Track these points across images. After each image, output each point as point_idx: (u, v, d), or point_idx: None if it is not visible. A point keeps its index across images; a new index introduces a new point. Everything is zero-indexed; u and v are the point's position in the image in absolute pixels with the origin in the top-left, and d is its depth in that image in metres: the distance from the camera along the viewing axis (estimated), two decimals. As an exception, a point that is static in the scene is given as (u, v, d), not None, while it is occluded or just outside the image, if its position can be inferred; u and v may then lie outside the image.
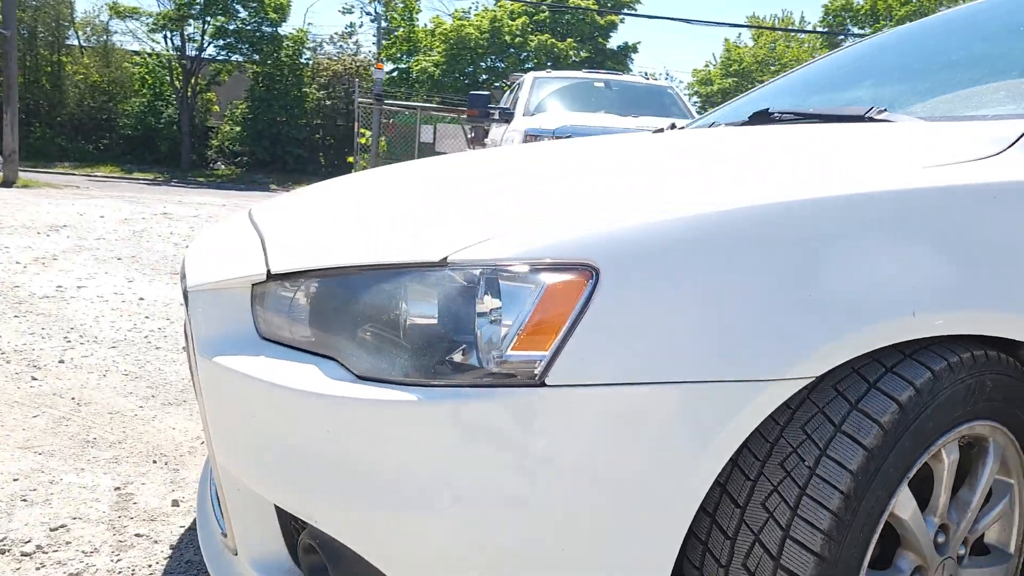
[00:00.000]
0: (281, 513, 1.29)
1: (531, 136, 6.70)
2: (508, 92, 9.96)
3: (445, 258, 1.10)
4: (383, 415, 1.07)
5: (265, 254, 1.36)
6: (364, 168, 14.47)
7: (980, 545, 1.38)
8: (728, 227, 1.08)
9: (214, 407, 1.31)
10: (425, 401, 1.05)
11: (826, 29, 36.37)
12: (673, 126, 2.50)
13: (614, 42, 32.90)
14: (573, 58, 30.75)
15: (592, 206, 1.19)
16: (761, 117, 1.92)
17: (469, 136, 11.25)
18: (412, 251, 1.15)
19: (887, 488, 1.10)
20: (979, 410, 1.20)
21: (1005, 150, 1.23)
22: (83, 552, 1.84)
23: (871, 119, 1.57)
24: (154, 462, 2.33)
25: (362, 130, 18.80)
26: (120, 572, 1.78)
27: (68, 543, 1.87)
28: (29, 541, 1.86)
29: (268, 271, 1.30)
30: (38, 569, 1.76)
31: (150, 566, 1.82)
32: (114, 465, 2.30)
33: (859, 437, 1.07)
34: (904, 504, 1.16)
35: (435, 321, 1.09)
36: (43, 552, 1.83)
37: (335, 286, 1.22)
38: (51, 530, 1.91)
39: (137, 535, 1.93)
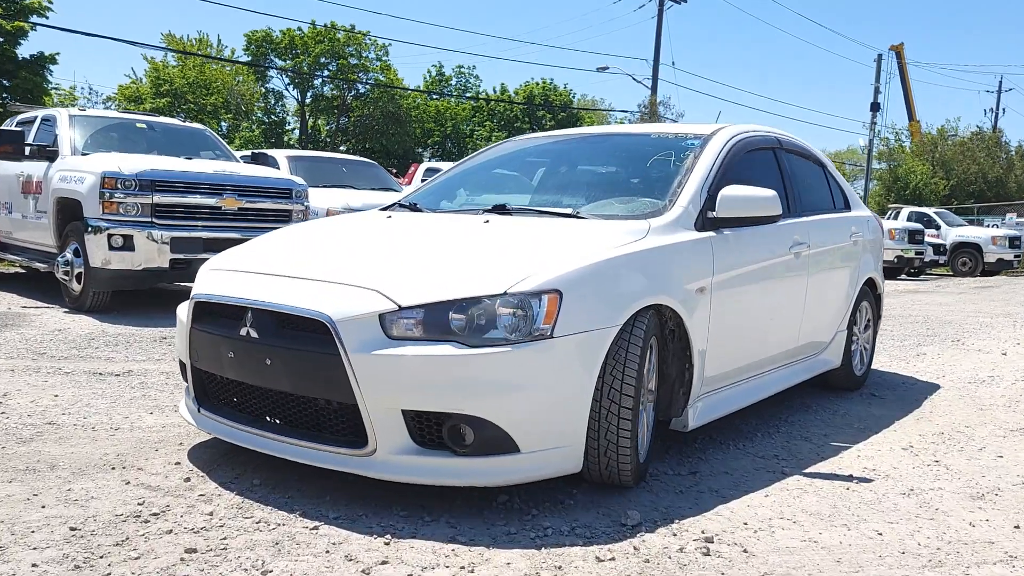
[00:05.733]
0: (407, 420, 2.65)
1: (110, 179, 7.18)
2: (12, 124, 9.59)
3: (505, 291, 2.66)
4: (494, 359, 2.59)
5: (386, 296, 2.67)
6: None
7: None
8: (594, 270, 2.86)
9: (371, 377, 2.60)
10: (512, 350, 2.61)
11: (250, 58, 38.60)
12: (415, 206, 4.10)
13: (26, 50, 30.20)
14: (-22, 65, 27.49)
15: (535, 263, 2.82)
16: (500, 209, 3.67)
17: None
18: (486, 288, 2.66)
19: (645, 359, 2.98)
20: (652, 331, 3.16)
21: (643, 238, 3.22)
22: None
23: (577, 216, 3.47)
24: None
25: None
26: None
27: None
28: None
29: (399, 306, 2.64)
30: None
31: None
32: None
33: (634, 341, 2.94)
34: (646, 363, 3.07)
35: (506, 318, 2.64)
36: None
37: (446, 309, 2.65)
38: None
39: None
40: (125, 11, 74.52)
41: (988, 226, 27.05)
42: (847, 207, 5.21)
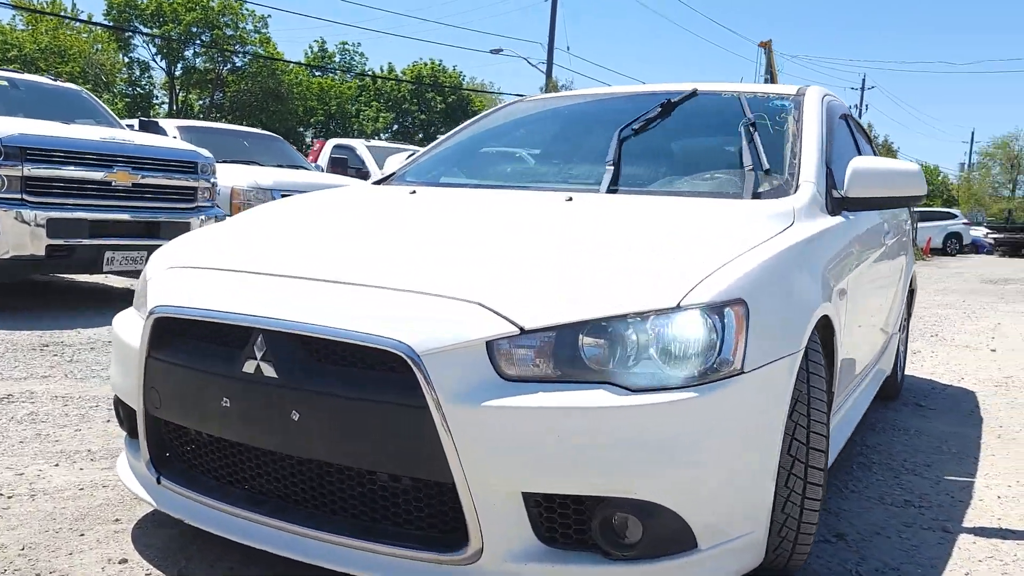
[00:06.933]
0: (530, 507, 1.69)
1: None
2: None
3: (679, 303, 1.73)
4: (675, 411, 1.66)
5: (498, 314, 1.69)
6: None
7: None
8: (773, 270, 1.97)
9: (480, 442, 1.63)
10: (698, 396, 1.69)
11: (112, 23, 35.47)
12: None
13: None
14: None
15: (706, 263, 1.88)
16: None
17: None
18: (647, 299, 1.73)
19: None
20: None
21: (792, 224, 2.33)
22: None
23: (694, 193, 2.56)
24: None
25: None
26: None
27: None
28: None
29: (521, 328, 1.67)
30: None
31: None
32: None
33: (814, 370, 2.07)
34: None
35: (678, 343, 1.72)
36: None
37: (590, 332, 1.69)
38: None
39: None
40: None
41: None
42: (890, 190, 4.54)
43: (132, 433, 2.24)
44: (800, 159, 2.74)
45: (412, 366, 1.64)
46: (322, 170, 11.09)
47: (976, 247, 29.52)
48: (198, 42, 35.83)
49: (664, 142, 3.00)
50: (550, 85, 31.16)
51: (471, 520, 1.68)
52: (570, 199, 2.43)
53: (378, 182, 3.26)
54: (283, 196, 8.23)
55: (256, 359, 1.78)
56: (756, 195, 2.53)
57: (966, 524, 2.68)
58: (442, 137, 3.59)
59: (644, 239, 2.07)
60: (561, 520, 1.72)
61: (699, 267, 1.86)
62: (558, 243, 2.03)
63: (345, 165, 11.48)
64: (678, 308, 1.73)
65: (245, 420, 1.83)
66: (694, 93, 3.18)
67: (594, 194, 2.56)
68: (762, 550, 1.92)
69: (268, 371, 1.77)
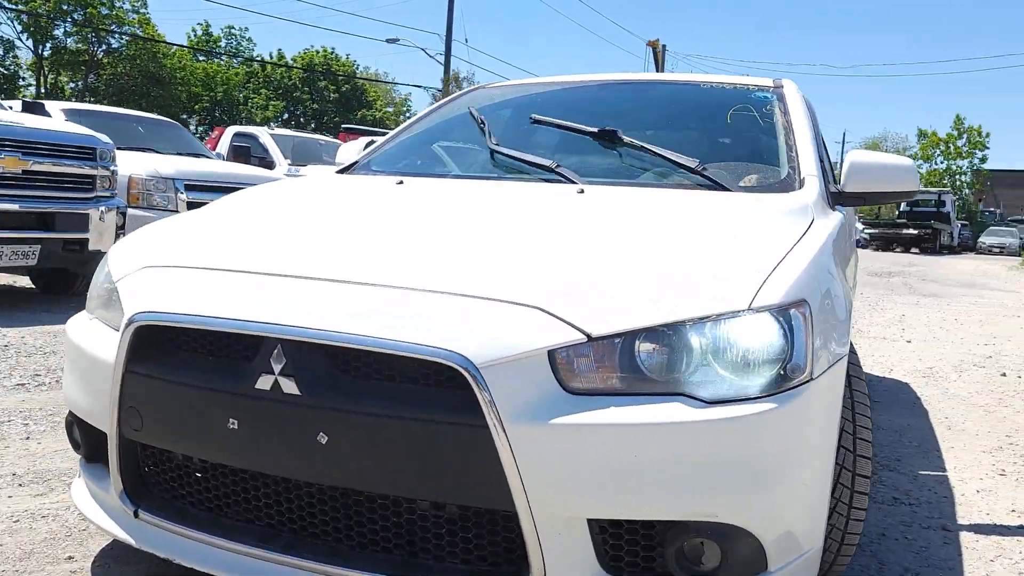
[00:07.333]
0: (595, 534, 1.51)
1: None
2: None
3: (749, 305, 1.59)
4: (758, 423, 1.51)
5: (561, 319, 1.49)
6: None
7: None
8: (820, 267, 1.85)
9: (545, 464, 1.44)
10: (777, 407, 1.54)
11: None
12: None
13: None
14: None
15: (761, 261, 1.74)
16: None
17: None
18: (721, 304, 1.57)
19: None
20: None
21: (812, 220, 2.20)
22: None
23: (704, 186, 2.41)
24: None
25: None
26: None
27: None
28: None
29: (589, 335, 1.48)
30: None
31: None
32: None
33: (855, 372, 1.98)
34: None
35: (760, 349, 1.57)
36: None
37: (660, 339, 1.52)
38: None
39: None
40: None
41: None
42: (835, 186, 4.59)
43: (91, 458, 1.93)
44: (797, 152, 2.65)
45: (469, 380, 1.43)
46: (223, 158, 10.51)
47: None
48: (69, 20, 33.53)
49: (658, 133, 2.86)
50: (449, 78, 30.86)
51: (533, 551, 1.48)
52: (581, 191, 2.26)
53: (342, 171, 2.99)
54: (187, 186, 7.79)
55: (273, 373, 1.53)
56: (764, 189, 2.43)
57: (961, 521, 2.67)
58: (403, 125, 3.35)
59: (681, 236, 1.91)
60: (628, 547, 1.55)
61: (757, 266, 1.72)
62: (597, 240, 1.85)
63: (248, 154, 10.92)
64: (749, 310, 1.59)
65: (258, 444, 1.57)
66: (668, 84, 3.06)
67: (601, 186, 2.39)
68: (817, 565, 1.80)
69: (288, 387, 1.52)
